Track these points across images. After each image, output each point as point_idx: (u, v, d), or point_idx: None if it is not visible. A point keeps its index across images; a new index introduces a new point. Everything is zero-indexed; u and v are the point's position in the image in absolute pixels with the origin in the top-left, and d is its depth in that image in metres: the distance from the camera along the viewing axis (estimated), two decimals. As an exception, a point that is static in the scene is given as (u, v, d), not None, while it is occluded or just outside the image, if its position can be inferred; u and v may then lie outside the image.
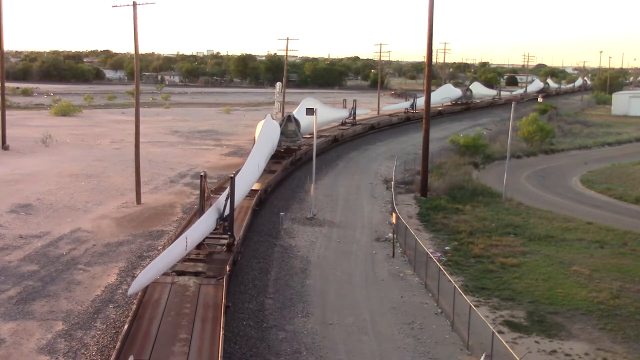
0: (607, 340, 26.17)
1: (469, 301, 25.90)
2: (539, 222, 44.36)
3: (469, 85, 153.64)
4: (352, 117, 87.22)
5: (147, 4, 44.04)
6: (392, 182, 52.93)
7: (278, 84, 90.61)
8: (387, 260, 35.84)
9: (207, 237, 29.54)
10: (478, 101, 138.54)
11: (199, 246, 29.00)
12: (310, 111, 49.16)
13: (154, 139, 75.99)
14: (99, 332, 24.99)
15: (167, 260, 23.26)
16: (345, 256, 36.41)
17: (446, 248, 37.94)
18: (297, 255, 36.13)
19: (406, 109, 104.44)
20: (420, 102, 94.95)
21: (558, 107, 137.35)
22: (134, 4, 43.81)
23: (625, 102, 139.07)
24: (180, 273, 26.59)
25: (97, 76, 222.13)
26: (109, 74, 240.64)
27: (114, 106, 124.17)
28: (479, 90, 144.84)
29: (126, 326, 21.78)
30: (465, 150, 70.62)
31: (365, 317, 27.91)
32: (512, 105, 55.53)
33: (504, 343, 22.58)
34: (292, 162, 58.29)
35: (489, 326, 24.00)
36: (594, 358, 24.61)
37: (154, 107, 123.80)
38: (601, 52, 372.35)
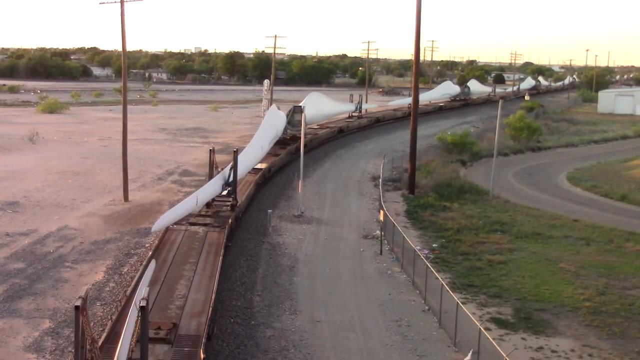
0: (592, 337, 26.35)
1: (456, 298, 26.00)
2: (526, 220, 44.57)
3: (454, 82, 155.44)
4: (358, 111, 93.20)
5: (134, 0, 43.91)
6: (380, 180, 53.08)
7: (266, 82, 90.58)
8: (375, 258, 35.92)
9: (215, 200, 36.94)
10: (475, 98, 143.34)
11: (208, 205, 36.46)
12: (298, 109, 49.64)
13: (141, 137, 75.74)
14: (86, 330, 24.89)
15: (182, 210, 30.08)
16: (333, 254, 36.46)
17: (434, 245, 38.05)
18: (285, 252, 36.14)
19: (409, 104, 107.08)
20: (424, 97, 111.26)
21: (545, 105, 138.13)
22: (122, 1, 43.65)
23: (611, 100, 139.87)
24: (192, 224, 33.52)
25: (84, 73, 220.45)
26: (97, 71, 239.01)
27: (101, 103, 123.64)
28: (476, 87, 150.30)
29: (150, 253, 28.56)
30: (452, 148, 70.79)
31: (353, 315, 27.97)
32: (500, 103, 55.73)
33: (491, 340, 22.69)
34: (297, 148, 61.84)
35: (476, 323, 24.11)
36: (580, 354, 24.77)
37: (141, 104, 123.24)
38: (587, 50, 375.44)
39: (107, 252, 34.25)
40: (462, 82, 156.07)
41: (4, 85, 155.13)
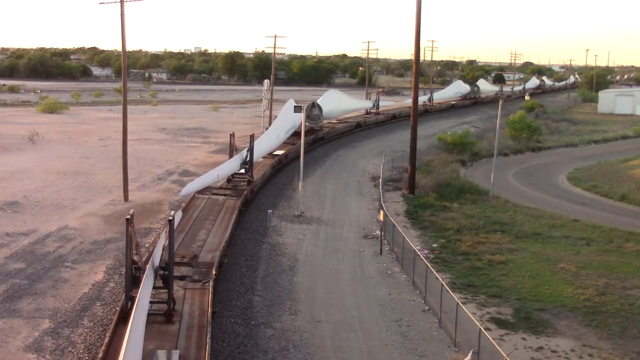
0: (592, 337, 26.37)
1: (456, 298, 26.01)
2: (526, 220, 44.58)
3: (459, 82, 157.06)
4: (375, 108, 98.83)
5: (134, 0, 43.88)
6: (380, 180, 53.06)
7: (266, 82, 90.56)
8: (375, 258, 35.91)
9: (234, 176, 44.42)
10: (483, 96, 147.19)
11: (229, 181, 44.36)
12: (298, 109, 49.62)
13: (141, 137, 75.72)
14: (86, 330, 24.91)
15: (204, 181, 39.69)
16: (333, 254, 36.46)
17: (434, 245, 38.06)
18: (285, 252, 36.14)
19: (424, 102, 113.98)
20: (437, 96, 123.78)
21: (545, 104, 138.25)
22: (122, 1, 43.62)
23: (611, 100, 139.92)
24: (214, 194, 40.83)
25: (84, 73, 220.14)
26: (97, 71, 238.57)
27: (101, 103, 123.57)
28: (484, 86, 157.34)
29: (180, 211, 32.60)
30: (452, 148, 70.78)
31: (353, 315, 27.97)
32: (500, 103, 55.75)
33: (491, 340, 22.71)
34: (314, 139, 70.51)
35: (476, 323, 24.13)
36: (580, 354, 24.78)
37: (141, 104, 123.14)
38: (587, 50, 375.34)
39: (107, 252, 34.23)
40: (470, 82, 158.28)
41: (4, 85, 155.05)
